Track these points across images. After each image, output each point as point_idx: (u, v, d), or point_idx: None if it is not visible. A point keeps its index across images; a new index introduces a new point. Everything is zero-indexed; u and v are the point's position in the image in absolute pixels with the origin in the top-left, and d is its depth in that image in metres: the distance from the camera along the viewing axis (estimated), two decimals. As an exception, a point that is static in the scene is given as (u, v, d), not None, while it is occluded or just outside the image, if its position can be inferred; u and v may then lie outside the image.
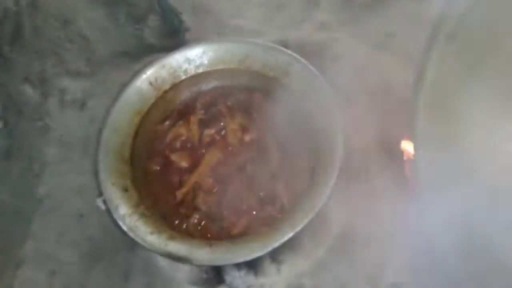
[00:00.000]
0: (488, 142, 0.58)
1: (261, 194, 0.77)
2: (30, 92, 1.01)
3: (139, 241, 0.70)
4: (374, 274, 0.79)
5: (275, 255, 0.80)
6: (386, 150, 0.89)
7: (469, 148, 0.59)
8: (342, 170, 0.84)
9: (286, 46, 1.02)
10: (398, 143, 0.91)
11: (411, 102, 0.63)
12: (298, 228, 0.66)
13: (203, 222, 0.75)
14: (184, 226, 0.76)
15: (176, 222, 0.76)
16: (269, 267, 0.80)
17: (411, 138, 0.66)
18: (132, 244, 0.89)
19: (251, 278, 0.80)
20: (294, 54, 0.81)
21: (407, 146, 0.96)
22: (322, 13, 1.13)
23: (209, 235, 0.75)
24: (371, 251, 0.81)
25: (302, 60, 0.80)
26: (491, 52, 0.57)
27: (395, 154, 0.89)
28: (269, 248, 0.66)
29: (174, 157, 0.83)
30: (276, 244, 0.66)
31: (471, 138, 0.59)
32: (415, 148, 0.65)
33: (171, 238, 0.70)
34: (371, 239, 0.82)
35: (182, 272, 0.84)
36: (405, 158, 0.92)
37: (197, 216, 0.76)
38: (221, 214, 0.76)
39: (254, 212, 0.75)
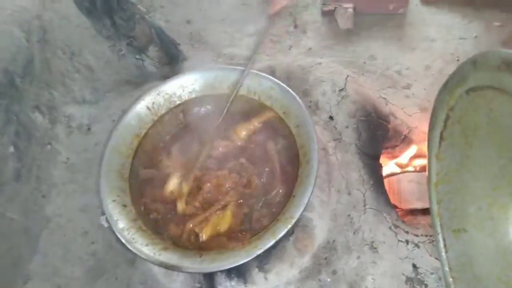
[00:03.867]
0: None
1: (245, 210, 0.82)
2: (39, 119, 1.10)
3: (136, 252, 0.74)
4: (355, 280, 0.84)
5: (261, 264, 0.85)
6: (365, 164, 0.94)
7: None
8: (323, 182, 0.90)
9: (274, 71, 1.10)
10: (378, 158, 0.96)
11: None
12: (278, 236, 0.71)
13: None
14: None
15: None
16: (257, 276, 0.85)
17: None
18: (132, 259, 0.95)
19: (241, 287, 0.85)
20: (275, 79, 0.87)
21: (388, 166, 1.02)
22: (308, 40, 1.20)
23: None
24: (352, 259, 0.86)
25: (282, 84, 0.85)
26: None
27: (375, 168, 0.94)
28: (253, 255, 0.70)
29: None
30: (259, 252, 0.70)
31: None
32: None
33: (164, 249, 0.75)
34: (352, 248, 0.86)
35: (177, 282, 0.89)
36: (384, 174, 0.98)
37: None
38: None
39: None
